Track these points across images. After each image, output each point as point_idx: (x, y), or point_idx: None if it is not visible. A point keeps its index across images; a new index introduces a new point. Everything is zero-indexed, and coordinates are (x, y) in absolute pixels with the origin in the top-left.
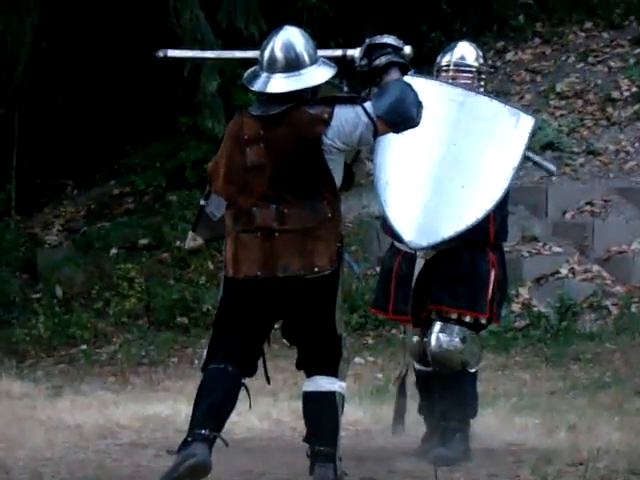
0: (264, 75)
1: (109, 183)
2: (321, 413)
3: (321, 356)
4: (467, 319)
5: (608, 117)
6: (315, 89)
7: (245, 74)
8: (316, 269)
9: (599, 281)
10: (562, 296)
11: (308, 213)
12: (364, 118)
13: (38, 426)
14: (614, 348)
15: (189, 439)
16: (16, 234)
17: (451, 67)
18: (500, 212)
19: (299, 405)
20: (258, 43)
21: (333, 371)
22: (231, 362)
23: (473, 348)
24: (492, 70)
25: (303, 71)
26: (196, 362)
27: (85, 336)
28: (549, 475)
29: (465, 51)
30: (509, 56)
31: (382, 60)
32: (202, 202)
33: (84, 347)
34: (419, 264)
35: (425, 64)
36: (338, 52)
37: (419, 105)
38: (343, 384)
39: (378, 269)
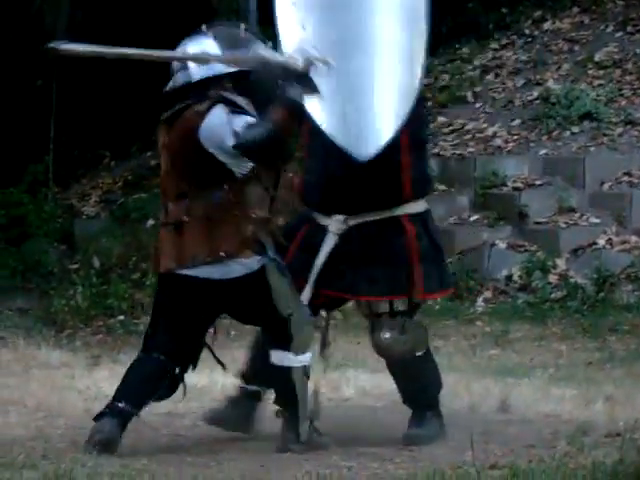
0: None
1: (146, 154)
2: (277, 386)
3: (271, 334)
4: (400, 307)
5: None
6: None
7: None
8: (222, 253)
9: (637, 252)
10: (599, 267)
11: (211, 201)
12: (228, 130)
13: (76, 395)
14: None
15: (106, 410)
16: (54, 205)
17: None
18: (417, 159)
19: None
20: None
21: (285, 345)
22: (166, 354)
23: (416, 334)
24: None
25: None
26: (232, 333)
27: (122, 307)
28: (586, 446)
29: None
30: (547, 25)
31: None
32: None
33: (121, 317)
34: (330, 239)
35: (463, 35)
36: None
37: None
38: (303, 357)
39: None
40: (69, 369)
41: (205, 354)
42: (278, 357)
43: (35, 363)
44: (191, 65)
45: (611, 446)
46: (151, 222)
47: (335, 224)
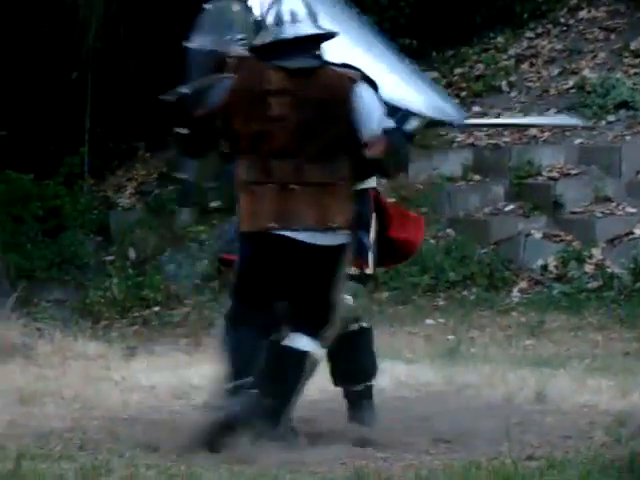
0: (275, 29)
1: None
2: (285, 370)
3: (311, 318)
4: (352, 271)
5: None
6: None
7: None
8: (330, 224)
9: None
10: (636, 257)
11: (326, 170)
12: (378, 116)
13: (113, 387)
14: None
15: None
16: (89, 197)
17: None
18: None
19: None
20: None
21: (315, 335)
22: (256, 323)
23: (364, 302)
24: None
25: (309, 23)
26: None
27: (158, 298)
28: (623, 437)
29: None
30: (582, 14)
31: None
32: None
33: (157, 309)
34: None
35: (498, 24)
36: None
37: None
38: (321, 351)
39: (449, 231)
40: (105, 360)
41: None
42: (300, 341)
43: (71, 354)
44: (301, 18)
45: None
46: (186, 213)
47: None
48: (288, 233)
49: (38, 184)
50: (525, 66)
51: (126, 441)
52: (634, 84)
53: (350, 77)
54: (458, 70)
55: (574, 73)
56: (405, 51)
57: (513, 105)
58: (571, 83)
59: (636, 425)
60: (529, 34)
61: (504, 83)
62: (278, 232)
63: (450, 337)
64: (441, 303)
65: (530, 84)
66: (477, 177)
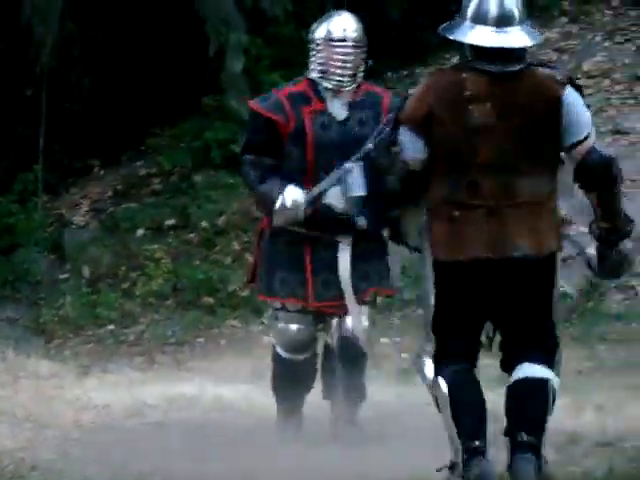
0: (478, 28)
1: (135, 164)
2: (530, 400)
3: (536, 343)
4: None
5: (635, 96)
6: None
7: (442, 27)
8: (546, 249)
9: None
10: (589, 276)
11: (539, 184)
12: (588, 120)
13: (66, 406)
14: None
15: (466, 456)
16: (43, 215)
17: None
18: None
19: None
20: (283, 23)
21: (549, 362)
22: (467, 358)
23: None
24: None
25: (516, 28)
26: (222, 342)
27: (112, 316)
28: (576, 456)
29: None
30: None
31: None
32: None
33: (111, 327)
34: (345, 251)
35: (451, 43)
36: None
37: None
38: (557, 379)
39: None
40: (58, 379)
41: (196, 363)
42: (537, 371)
43: (24, 373)
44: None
45: (601, 456)
46: (141, 232)
47: (346, 239)
48: (501, 257)
49: None
50: None
51: (79, 461)
52: (587, 105)
53: (559, 80)
54: (412, 90)
55: None
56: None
57: None
58: None
59: (589, 444)
60: None
61: None
62: (490, 260)
63: (404, 355)
64: (396, 322)
65: None
66: None
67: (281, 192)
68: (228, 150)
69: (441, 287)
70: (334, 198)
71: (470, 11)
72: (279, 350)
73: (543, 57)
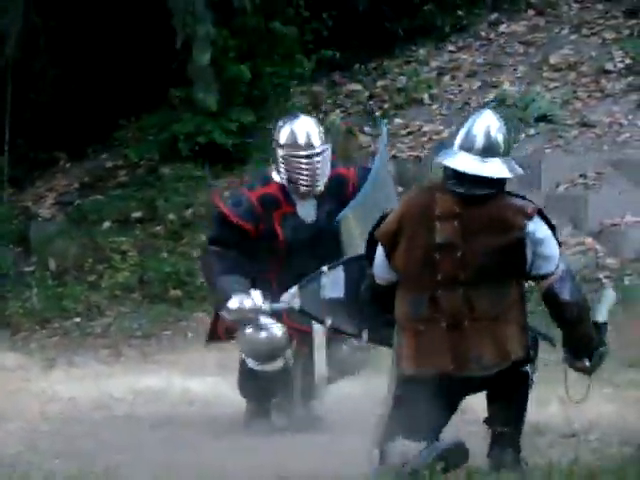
0: (462, 154)
1: (102, 156)
2: (510, 392)
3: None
4: None
5: (602, 89)
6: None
7: (438, 149)
8: (512, 357)
9: (592, 254)
10: None
11: (499, 299)
12: (555, 253)
13: (32, 398)
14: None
15: None
16: (9, 207)
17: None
18: None
19: None
20: (250, 15)
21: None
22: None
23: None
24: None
25: (497, 159)
26: (189, 335)
27: (78, 309)
28: (541, 447)
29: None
30: (502, 28)
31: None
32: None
33: (77, 320)
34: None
35: (419, 36)
36: None
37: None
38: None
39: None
40: (24, 372)
41: (163, 355)
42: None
43: None
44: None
45: (566, 447)
46: (107, 224)
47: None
48: (465, 374)
49: None
50: (447, 79)
51: (45, 453)
52: (553, 98)
53: (527, 213)
54: (380, 82)
55: (494, 87)
56: (327, 63)
57: (435, 118)
58: (492, 96)
59: (554, 435)
60: (451, 47)
61: (426, 96)
62: (454, 374)
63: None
64: None
65: (451, 97)
66: (399, 189)
67: (241, 292)
68: (195, 142)
69: (399, 396)
70: (307, 300)
71: (458, 138)
72: (248, 361)
73: (510, 50)
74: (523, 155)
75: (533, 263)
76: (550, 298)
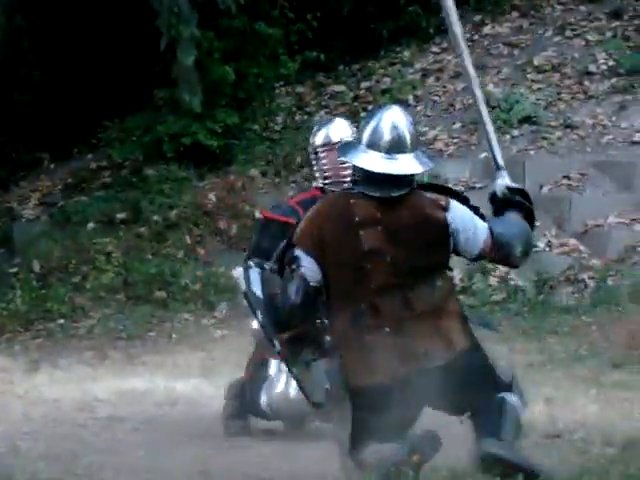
0: (371, 153)
1: (86, 157)
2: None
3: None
4: None
5: (585, 91)
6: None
7: (339, 146)
8: (457, 348)
9: (576, 254)
10: (539, 270)
11: (435, 292)
12: (481, 226)
13: (16, 400)
14: (590, 321)
15: None
16: None
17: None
18: None
19: None
20: (234, 16)
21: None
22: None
23: None
24: None
25: (407, 155)
26: (174, 336)
27: (63, 310)
28: (525, 447)
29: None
30: (486, 29)
31: (516, 198)
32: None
33: (62, 321)
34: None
35: (403, 37)
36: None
37: (527, 252)
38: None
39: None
40: (8, 374)
41: (147, 357)
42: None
43: None
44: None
45: (550, 447)
46: (91, 225)
47: None
48: (417, 370)
49: None
50: (431, 80)
51: (28, 455)
52: (537, 99)
53: (441, 204)
54: (365, 84)
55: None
56: (312, 64)
57: (419, 119)
58: None
59: (539, 435)
60: (435, 49)
61: (410, 97)
62: (406, 376)
63: None
64: None
65: (436, 98)
66: None
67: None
68: (180, 143)
69: (357, 411)
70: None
71: (365, 135)
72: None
73: (494, 51)
74: (507, 156)
75: (468, 245)
76: (502, 262)
